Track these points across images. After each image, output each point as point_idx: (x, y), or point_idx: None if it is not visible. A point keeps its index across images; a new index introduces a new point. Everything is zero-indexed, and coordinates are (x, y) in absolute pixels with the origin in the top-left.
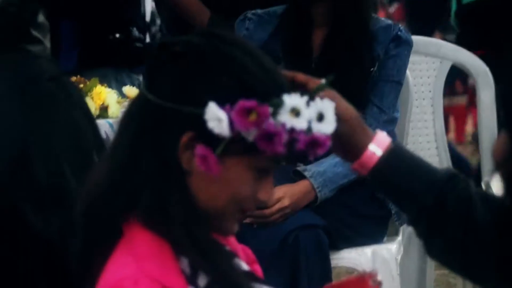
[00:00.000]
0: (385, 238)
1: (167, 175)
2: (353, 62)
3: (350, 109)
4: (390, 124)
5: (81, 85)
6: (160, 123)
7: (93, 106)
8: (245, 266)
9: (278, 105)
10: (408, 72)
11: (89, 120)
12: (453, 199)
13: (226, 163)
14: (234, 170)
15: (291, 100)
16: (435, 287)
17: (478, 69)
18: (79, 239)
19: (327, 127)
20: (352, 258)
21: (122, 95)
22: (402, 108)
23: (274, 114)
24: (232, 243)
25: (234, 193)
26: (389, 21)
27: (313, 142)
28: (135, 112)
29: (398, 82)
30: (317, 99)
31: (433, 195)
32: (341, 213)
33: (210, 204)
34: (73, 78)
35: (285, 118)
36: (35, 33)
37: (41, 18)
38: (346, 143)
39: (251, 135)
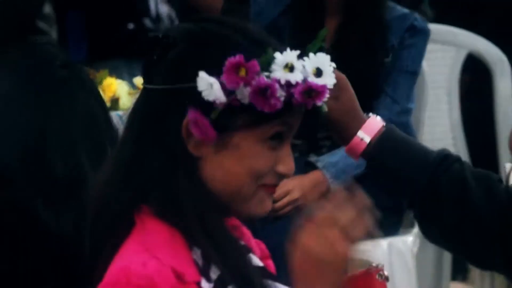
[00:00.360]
0: (400, 230)
1: (175, 164)
2: (367, 53)
3: (352, 101)
4: (404, 115)
5: (90, 77)
6: (161, 111)
7: (103, 98)
8: (258, 262)
9: (268, 60)
10: (423, 61)
11: (103, 109)
12: (446, 180)
13: (234, 139)
14: (244, 145)
15: (284, 56)
16: (452, 280)
17: (495, 57)
18: (91, 232)
19: (327, 80)
20: (367, 251)
21: (133, 86)
22: (417, 98)
23: (266, 69)
24: (247, 237)
25: (250, 169)
26: (405, 10)
27: (309, 90)
28: (138, 107)
29: (413, 72)
30: (311, 55)
31: (426, 177)
32: None
33: (229, 186)
34: None
35: (279, 74)
36: (41, 24)
37: (47, 9)
38: (339, 128)
39: (245, 95)
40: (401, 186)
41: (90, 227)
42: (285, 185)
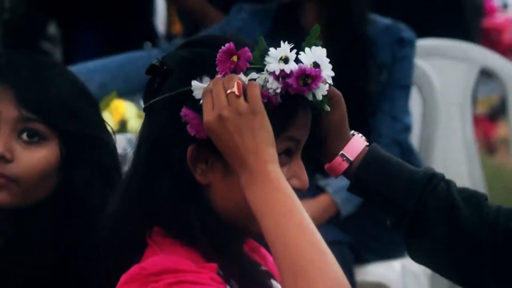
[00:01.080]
0: None
1: (184, 192)
2: (356, 72)
3: (342, 119)
4: (405, 132)
5: None
6: (165, 142)
7: (111, 120)
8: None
9: (261, 51)
10: (434, 77)
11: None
12: (434, 200)
13: None
14: None
15: (278, 50)
16: None
17: (509, 73)
18: (103, 257)
19: (325, 72)
20: (380, 273)
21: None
22: (429, 115)
23: (260, 62)
24: (269, 262)
25: None
26: (388, 21)
27: (304, 76)
28: (143, 138)
29: (407, 86)
30: (307, 50)
31: (414, 197)
32: (366, 225)
33: (240, 211)
34: None
35: (274, 66)
36: (45, 44)
37: (52, 29)
38: (323, 144)
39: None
40: (388, 206)
41: (102, 252)
42: None
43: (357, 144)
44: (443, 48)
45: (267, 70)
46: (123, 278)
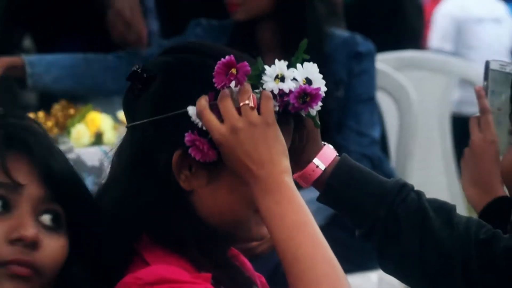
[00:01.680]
0: None
1: (169, 199)
2: None
3: (315, 129)
4: (372, 145)
5: (71, 111)
6: (149, 148)
7: (87, 133)
8: None
9: (258, 71)
10: (411, 89)
11: None
12: (405, 211)
13: (224, 170)
14: (235, 174)
15: (273, 67)
16: None
17: None
18: (89, 267)
19: (318, 86)
20: (356, 285)
21: (117, 120)
22: (407, 127)
23: (257, 81)
24: (250, 270)
25: (244, 197)
26: (345, 34)
27: (304, 94)
28: (125, 145)
29: (370, 98)
30: (299, 66)
31: (385, 207)
32: (341, 235)
33: (225, 216)
34: (57, 106)
35: (271, 85)
36: None
37: (27, 42)
38: (293, 152)
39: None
40: (358, 215)
41: (91, 261)
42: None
43: (329, 152)
44: (421, 60)
45: (264, 89)
46: None
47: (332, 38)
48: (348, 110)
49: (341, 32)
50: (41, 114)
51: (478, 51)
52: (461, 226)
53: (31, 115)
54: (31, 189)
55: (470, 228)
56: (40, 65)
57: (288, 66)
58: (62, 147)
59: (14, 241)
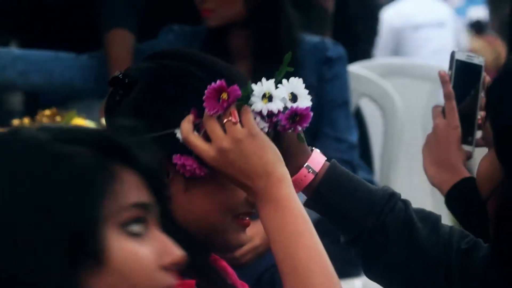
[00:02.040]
0: None
1: None
2: None
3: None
4: (351, 150)
5: (58, 118)
6: None
7: None
8: None
9: (248, 93)
10: (396, 96)
11: None
12: (394, 220)
13: (203, 176)
14: (213, 181)
15: (259, 86)
16: None
17: None
18: None
19: (304, 103)
20: None
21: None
22: (393, 134)
23: (246, 102)
24: (234, 278)
25: (221, 204)
26: (315, 39)
27: (294, 115)
28: None
29: (344, 102)
30: (284, 81)
31: (373, 216)
32: (324, 242)
33: (201, 224)
34: (47, 112)
35: (259, 105)
36: None
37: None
38: (285, 158)
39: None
40: (346, 223)
41: None
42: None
43: (319, 157)
44: (406, 67)
45: (253, 110)
46: None
47: (303, 43)
48: (323, 116)
49: (311, 37)
50: (26, 120)
51: (419, 58)
52: (445, 236)
53: (16, 121)
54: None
55: (453, 238)
56: (6, 57)
57: (274, 79)
58: None
59: (168, 267)
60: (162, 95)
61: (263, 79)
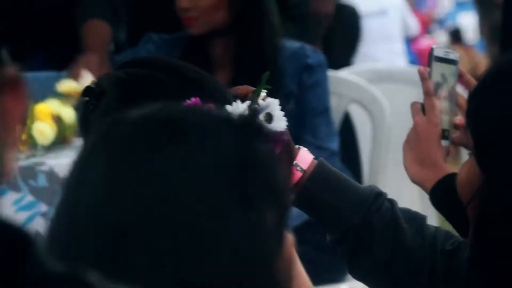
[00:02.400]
0: None
1: None
2: None
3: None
4: (332, 157)
5: None
6: None
7: (48, 128)
8: None
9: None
10: (385, 102)
11: None
12: (380, 219)
13: None
14: None
15: (234, 109)
16: None
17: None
18: None
19: (279, 124)
20: None
21: None
22: (380, 139)
23: None
24: None
25: None
26: (295, 46)
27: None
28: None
29: (325, 110)
30: (260, 102)
31: (360, 214)
32: (302, 249)
33: None
34: None
35: None
36: None
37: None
38: None
39: None
40: (332, 222)
41: None
42: None
43: (306, 155)
44: (395, 72)
45: None
46: None
47: (283, 50)
48: (304, 124)
49: (291, 44)
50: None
51: (362, 47)
52: (431, 236)
53: None
54: None
55: (438, 239)
56: None
57: (251, 100)
58: (34, 160)
59: None
60: (130, 104)
61: (238, 101)
